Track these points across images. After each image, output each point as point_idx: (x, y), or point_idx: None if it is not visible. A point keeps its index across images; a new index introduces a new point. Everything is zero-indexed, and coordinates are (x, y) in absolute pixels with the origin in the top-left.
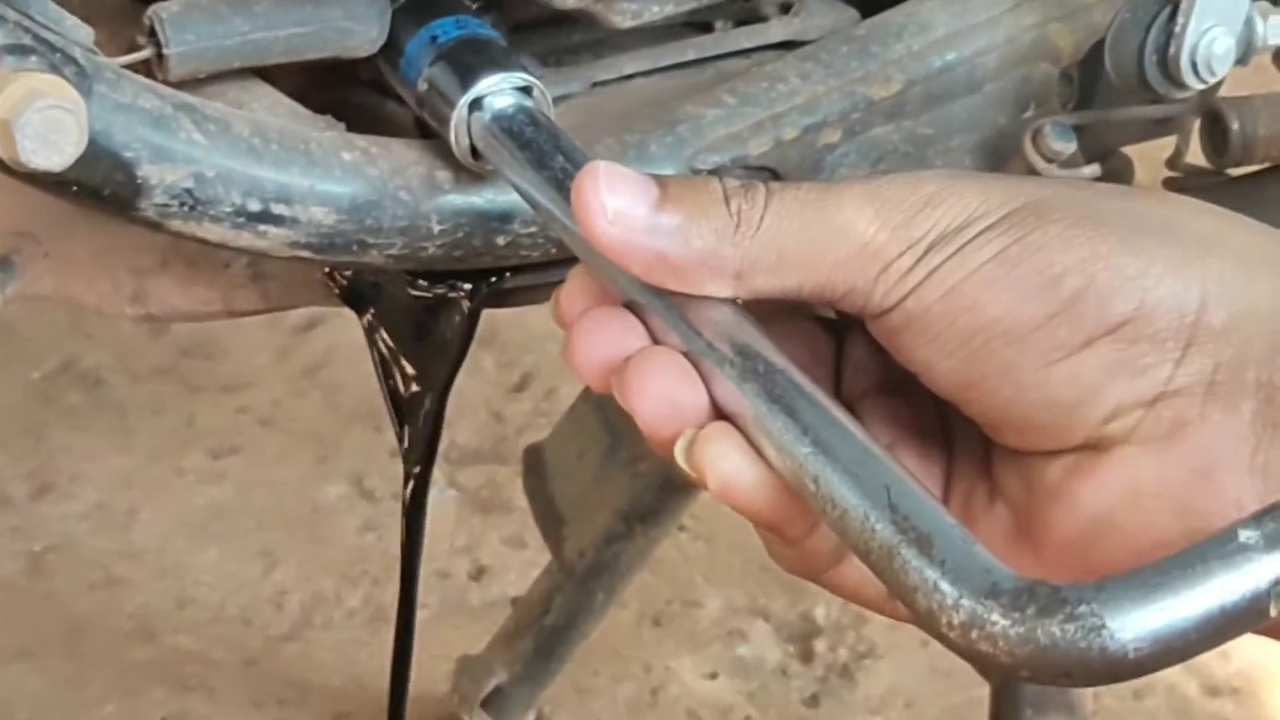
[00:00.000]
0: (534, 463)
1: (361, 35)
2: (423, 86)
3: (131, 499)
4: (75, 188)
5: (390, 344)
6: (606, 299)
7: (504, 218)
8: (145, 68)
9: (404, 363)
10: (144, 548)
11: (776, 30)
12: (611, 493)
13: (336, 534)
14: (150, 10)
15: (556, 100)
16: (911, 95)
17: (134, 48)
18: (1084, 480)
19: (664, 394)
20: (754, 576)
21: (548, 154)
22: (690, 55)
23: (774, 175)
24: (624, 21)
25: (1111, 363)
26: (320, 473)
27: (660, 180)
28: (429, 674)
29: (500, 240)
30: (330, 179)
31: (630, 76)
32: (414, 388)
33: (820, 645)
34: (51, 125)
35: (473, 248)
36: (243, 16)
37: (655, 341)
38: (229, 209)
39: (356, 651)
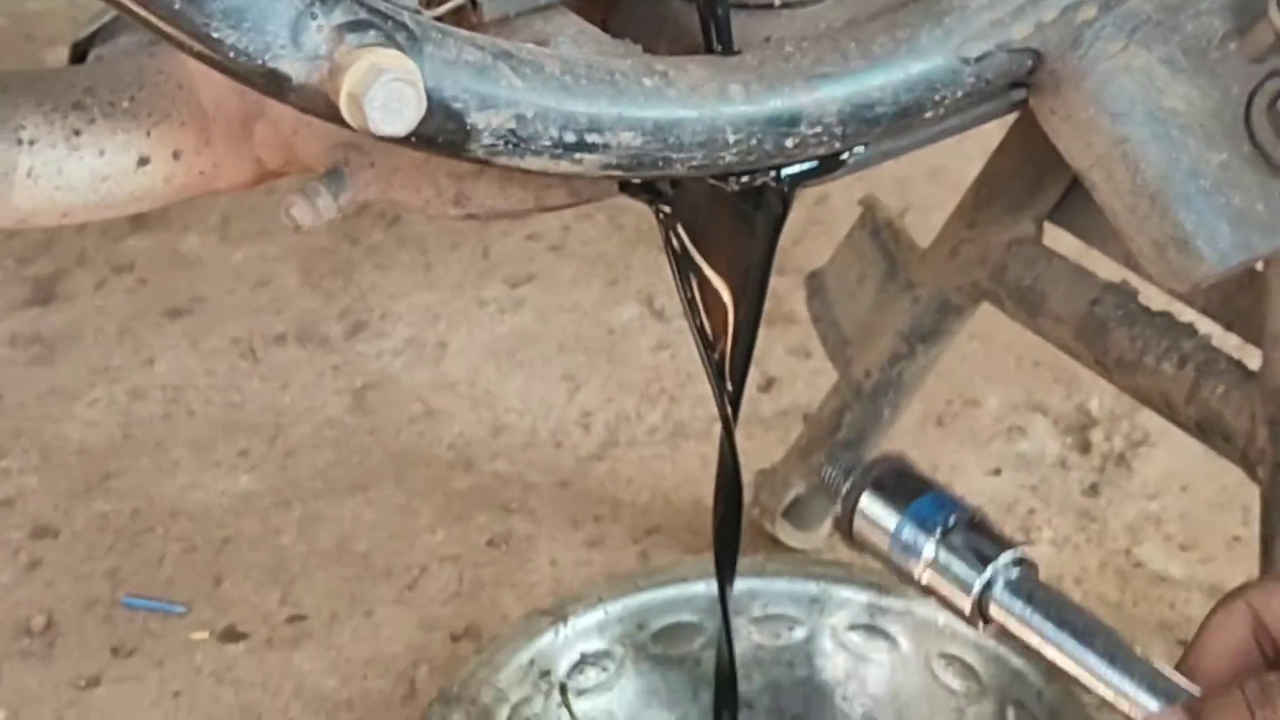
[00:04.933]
0: (817, 287)
1: None
2: (928, 562)
3: (440, 332)
4: (414, 139)
5: (688, 235)
6: None
7: (792, 121)
8: (459, 13)
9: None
10: (456, 379)
11: None
12: (892, 315)
13: (632, 354)
14: None
15: None
16: None
17: None
18: None
19: None
20: (1029, 372)
21: (1055, 610)
22: None
23: (1036, 55)
24: None
25: None
26: (612, 295)
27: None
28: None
29: (789, 143)
30: (635, 105)
31: None
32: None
33: (1096, 435)
34: (394, 96)
35: (765, 152)
36: None
37: None
38: (548, 143)
39: (660, 466)
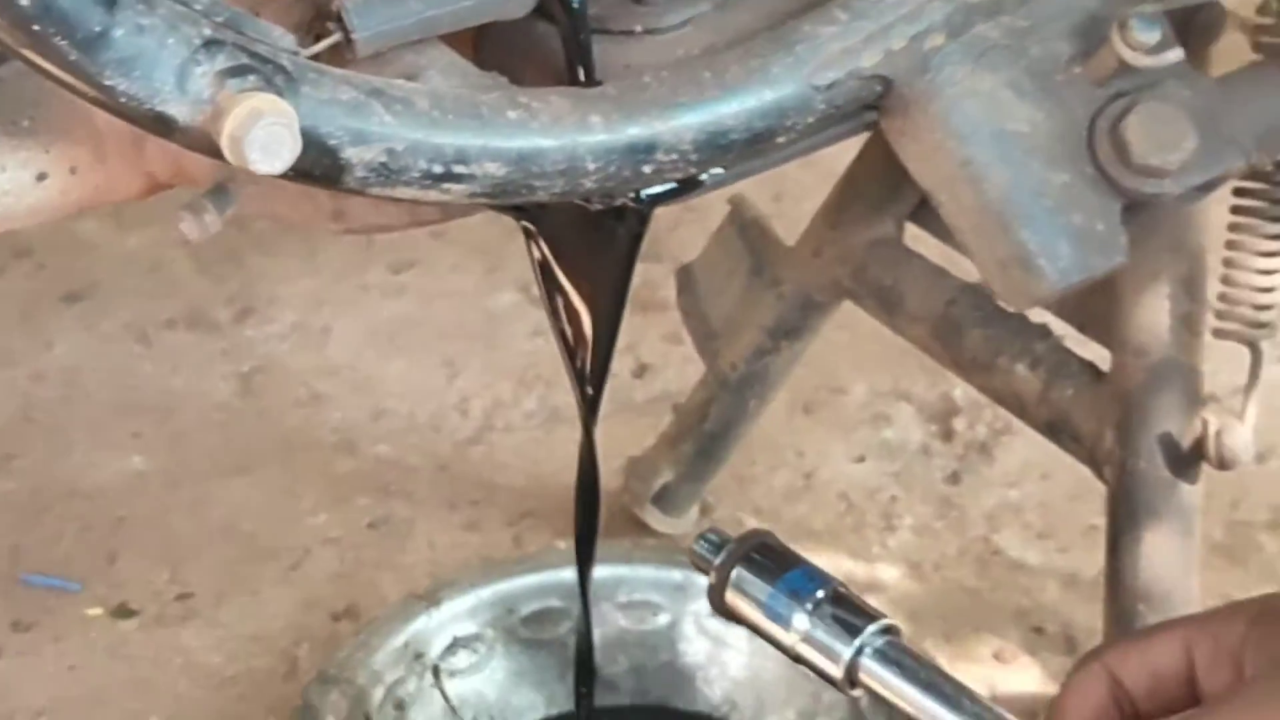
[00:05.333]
0: (686, 282)
1: (519, 1)
2: (801, 633)
3: (324, 317)
4: (291, 173)
5: (550, 250)
6: None
7: (649, 149)
8: (335, 49)
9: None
10: (340, 363)
11: None
12: (758, 311)
13: (509, 340)
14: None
15: (685, 21)
16: None
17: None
18: None
19: None
20: (895, 360)
21: (922, 676)
22: None
23: (886, 81)
24: None
25: None
26: (491, 282)
27: None
28: (601, 469)
29: (647, 169)
30: (500, 137)
31: None
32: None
33: (960, 424)
34: (272, 138)
35: (623, 178)
36: None
37: None
38: (417, 174)
39: (536, 451)
